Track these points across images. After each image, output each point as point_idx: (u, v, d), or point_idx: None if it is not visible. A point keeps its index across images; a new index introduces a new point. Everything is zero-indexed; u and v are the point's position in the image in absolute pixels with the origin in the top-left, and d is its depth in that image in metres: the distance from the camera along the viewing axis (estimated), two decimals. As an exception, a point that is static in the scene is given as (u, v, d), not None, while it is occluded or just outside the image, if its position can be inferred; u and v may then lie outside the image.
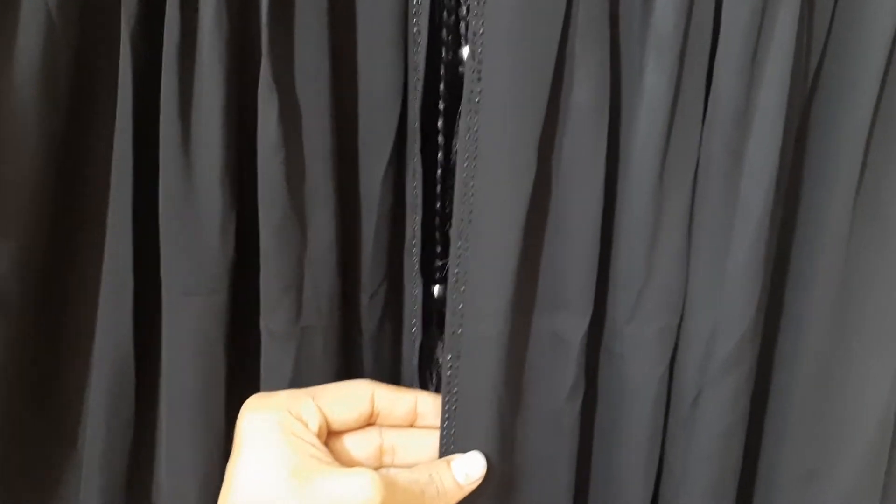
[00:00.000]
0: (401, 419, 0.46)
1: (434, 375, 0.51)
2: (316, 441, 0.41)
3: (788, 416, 0.50)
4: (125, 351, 0.47)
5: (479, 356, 0.44)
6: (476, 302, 0.44)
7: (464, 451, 0.46)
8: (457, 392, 0.45)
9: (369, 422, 0.45)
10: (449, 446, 0.46)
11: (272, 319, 0.46)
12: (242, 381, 0.48)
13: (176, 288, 0.45)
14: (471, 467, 0.44)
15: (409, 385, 0.50)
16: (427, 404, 0.46)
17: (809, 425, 0.49)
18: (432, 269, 0.50)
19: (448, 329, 0.45)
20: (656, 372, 0.48)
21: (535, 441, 0.48)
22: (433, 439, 0.45)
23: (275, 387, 0.46)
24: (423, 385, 0.50)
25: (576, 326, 0.46)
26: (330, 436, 0.43)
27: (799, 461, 0.50)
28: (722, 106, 0.45)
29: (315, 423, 0.42)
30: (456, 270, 0.44)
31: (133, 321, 0.46)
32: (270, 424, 0.41)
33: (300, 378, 0.46)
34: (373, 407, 0.45)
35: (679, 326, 0.48)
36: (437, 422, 0.46)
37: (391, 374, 0.51)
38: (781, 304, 0.49)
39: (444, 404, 0.46)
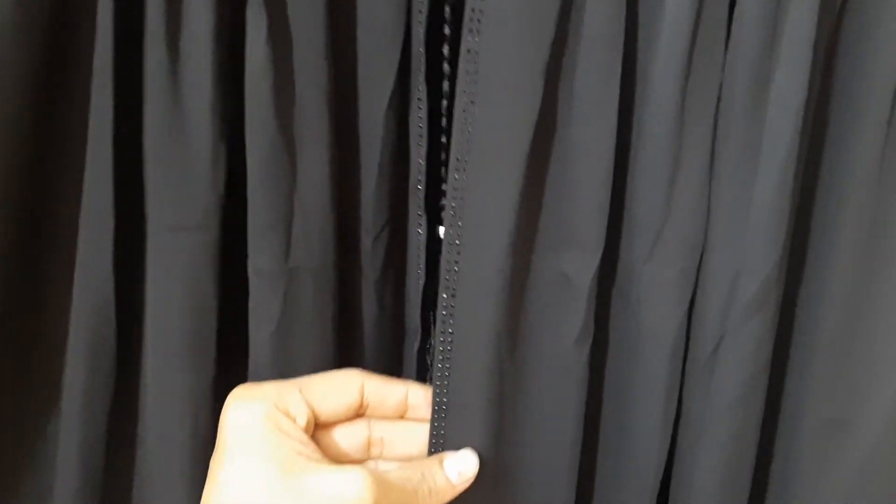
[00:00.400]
0: (391, 411, 0.44)
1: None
2: (303, 436, 0.40)
3: (812, 362, 0.47)
4: (106, 295, 0.44)
5: (476, 295, 0.42)
6: (474, 237, 0.42)
7: (460, 400, 0.44)
8: (452, 333, 0.43)
9: (358, 413, 0.44)
10: (443, 393, 0.44)
11: (258, 258, 0.43)
12: (234, 325, 0.45)
13: (163, 224, 0.43)
14: (463, 465, 0.43)
15: (413, 332, 0.48)
16: (418, 396, 0.44)
17: (835, 373, 0.47)
18: (438, 209, 0.47)
19: (444, 265, 0.42)
20: (675, 317, 0.46)
21: (540, 388, 0.45)
22: (424, 431, 0.44)
23: (262, 330, 0.44)
24: (426, 331, 0.47)
25: (585, 266, 0.44)
26: (318, 428, 0.42)
27: (823, 410, 0.47)
28: (747, 28, 0.42)
29: (303, 418, 0.40)
30: (453, 204, 0.42)
31: (114, 261, 0.44)
32: (256, 419, 0.39)
33: (289, 322, 0.44)
34: (362, 398, 0.43)
35: (699, 268, 0.45)
36: (428, 413, 0.44)
37: (394, 321, 0.49)
38: (805, 244, 0.47)
39: (438, 345, 0.43)
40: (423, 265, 0.46)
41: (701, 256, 0.45)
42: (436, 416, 0.44)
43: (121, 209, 0.43)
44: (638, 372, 0.47)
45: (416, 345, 0.47)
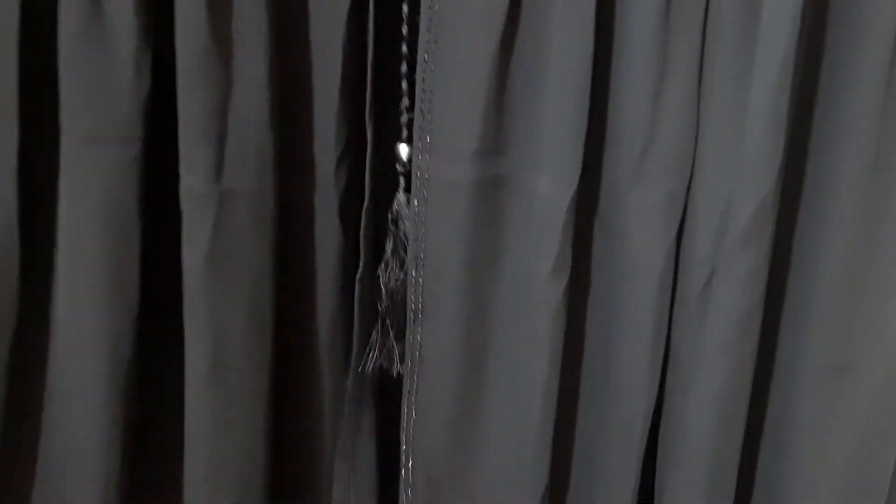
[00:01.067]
0: None
1: (393, 239, 0.44)
2: None
3: (811, 301, 0.44)
4: (8, 213, 0.39)
5: (447, 203, 0.40)
6: (443, 141, 0.40)
7: (434, 304, 0.41)
8: (424, 240, 0.40)
9: None
10: (418, 300, 0.41)
11: (188, 174, 0.40)
12: (165, 248, 0.41)
13: (78, 134, 0.39)
14: None
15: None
16: None
17: (836, 312, 0.43)
18: (399, 126, 0.43)
19: (414, 171, 0.40)
20: (662, 246, 0.42)
21: (514, 319, 0.42)
22: None
23: (194, 256, 0.40)
24: (369, 258, 0.43)
25: (560, 192, 0.41)
26: None
27: (824, 353, 0.44)
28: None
29: None
30: (421, 107, 0.39)
31: (20, 176, 0.39)
32: None
33: (221, 249, 0.40)
34: None
35: (687, 193, 0.42)
36: None
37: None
38: (804, 167, 0.43)
39: (411, 252, 0.41)
40: (369, 184, 0.42)
41: (689, 180, 0.41)
42: (411, 325, 0.42)
43: (28, 117, 0.39)
44: (623, 309, 0.43)
45: (359, 272, 0.43)
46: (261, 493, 0.43)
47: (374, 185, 0.42)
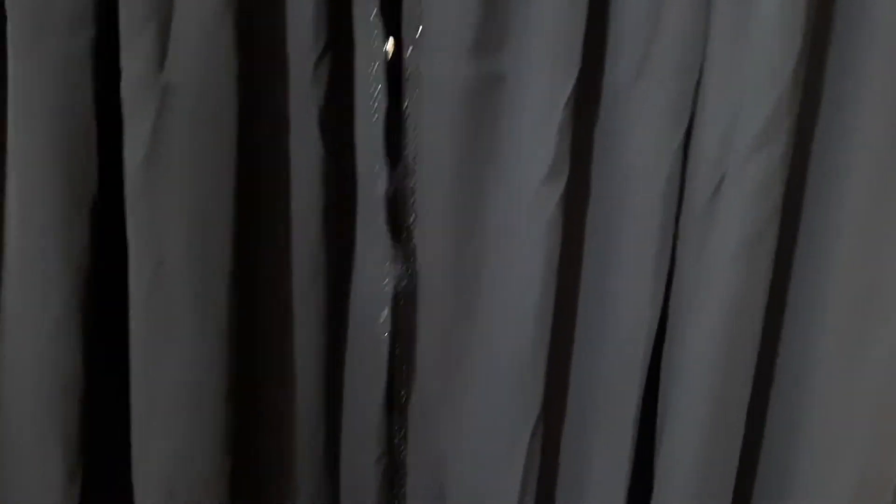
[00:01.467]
0: None
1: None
2: None
3: (833, 256, 0.40)
4: None
5: (440, 102, 0.39)
6: (437, 33, 0.38)
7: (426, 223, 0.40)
8: (416, 151, 0.39)
9: None
10: (411, 217, 0.40)
11: (127, 58, 0.37)
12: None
13: (27, 25, 0.36)
14: None
15: (368, 174, 0.41)
16: None
17: (864, 274, 0.40)
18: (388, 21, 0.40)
19: (405, 67, 0.38)
20: (668, 149, 0.40)
21: (508, 230, 0.40)
22: None
23: (134, 154, 0.37)
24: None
25: (557, 87, 0.38)
26: None
27: (849, 320, 0.41)
28: None
29: None
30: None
31: None
32: None
33: (163, 146, 0.37)
34: None
35: (696, 92, 0.39)
36: None
37: (341, 160, 0.42)
38: (824, 63, 0.39)
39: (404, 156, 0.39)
40: (381, 82, 0.39)
41: (698, 78, 0.39)
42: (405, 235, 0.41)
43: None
44: (624, 219, 0.41)
45: (383, 186, 0.41)
46: (225, 428, 0.41)
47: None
